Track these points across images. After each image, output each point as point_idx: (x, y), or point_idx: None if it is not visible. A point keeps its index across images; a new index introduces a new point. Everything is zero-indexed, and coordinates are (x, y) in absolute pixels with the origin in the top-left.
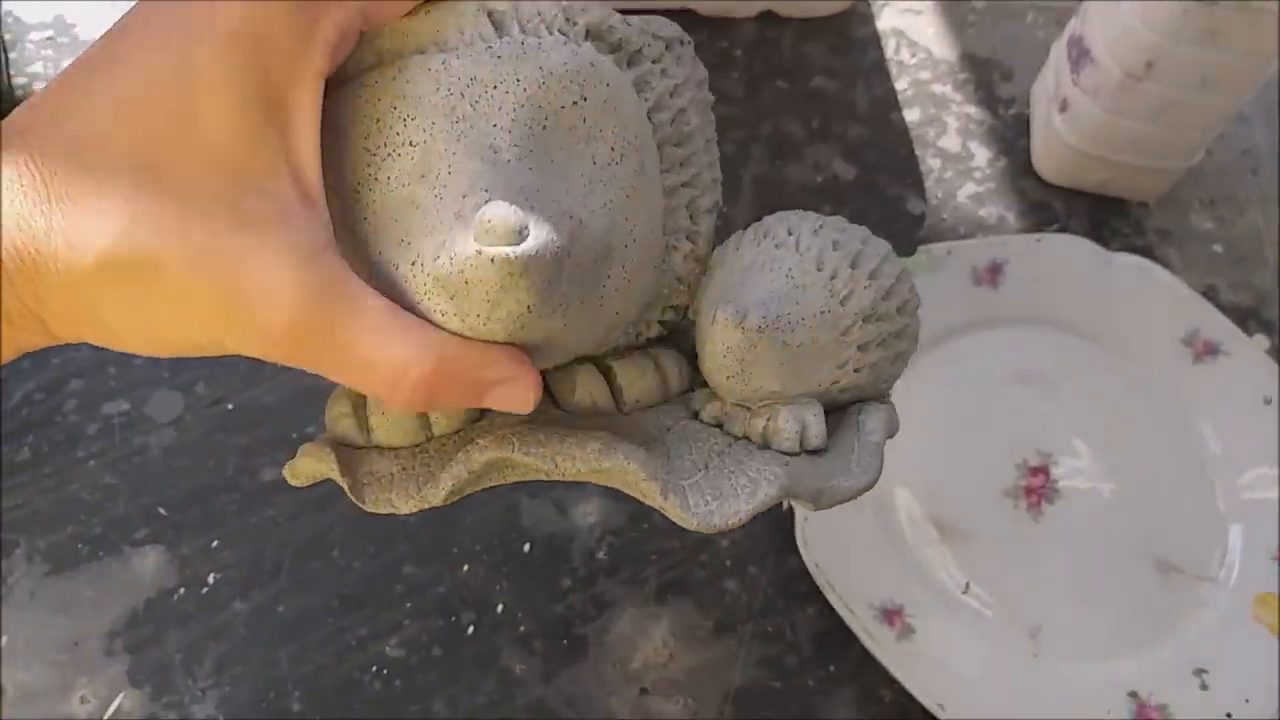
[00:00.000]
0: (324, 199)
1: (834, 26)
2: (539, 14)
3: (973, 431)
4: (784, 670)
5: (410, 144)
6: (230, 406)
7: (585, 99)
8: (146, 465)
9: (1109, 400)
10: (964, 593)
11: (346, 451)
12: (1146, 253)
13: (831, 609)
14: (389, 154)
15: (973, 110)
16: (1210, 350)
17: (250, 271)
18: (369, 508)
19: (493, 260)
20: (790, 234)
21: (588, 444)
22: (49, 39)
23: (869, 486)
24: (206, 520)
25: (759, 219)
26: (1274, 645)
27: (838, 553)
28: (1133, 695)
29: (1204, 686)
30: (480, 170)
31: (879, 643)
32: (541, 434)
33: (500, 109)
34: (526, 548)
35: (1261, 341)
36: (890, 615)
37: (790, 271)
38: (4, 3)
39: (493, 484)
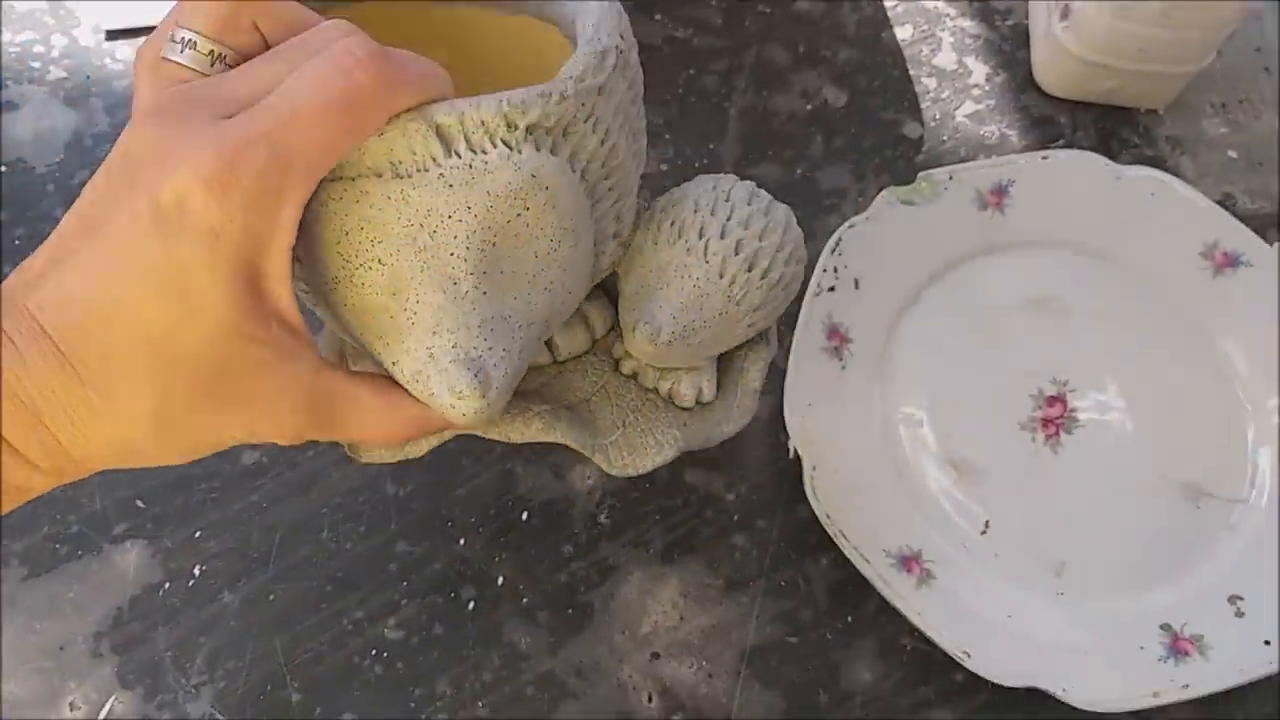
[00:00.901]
0: (302, 322)
1: None
2: (483, 124)
3: (984, 364)
4: (800, 625)
5: (380, 261)
6: None
7: (528, 209)
8: None
9: (1126, 322)
10: (983, 533)
11: None
12: (1158, 163)
13: (846, 559)
14: (360, 265)
15: (968, 24)
16: (1231, 262)
17: (265, 410)
18: (362, 460)
19: (464, 413)
20: (701, 237)
21: (533, 423)
22: None
23: (743, 425)
24: (187, 511)
25: (746, 155)
26: None
27: (849, 501)
28: (1165, 628)
29: (1239, 614)
30: (444, 305)
31: (897, 591)
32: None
33: (455, 237)
34: (524, 516)
35: None
36: (908, 562)
37: (697, 282)
38: None
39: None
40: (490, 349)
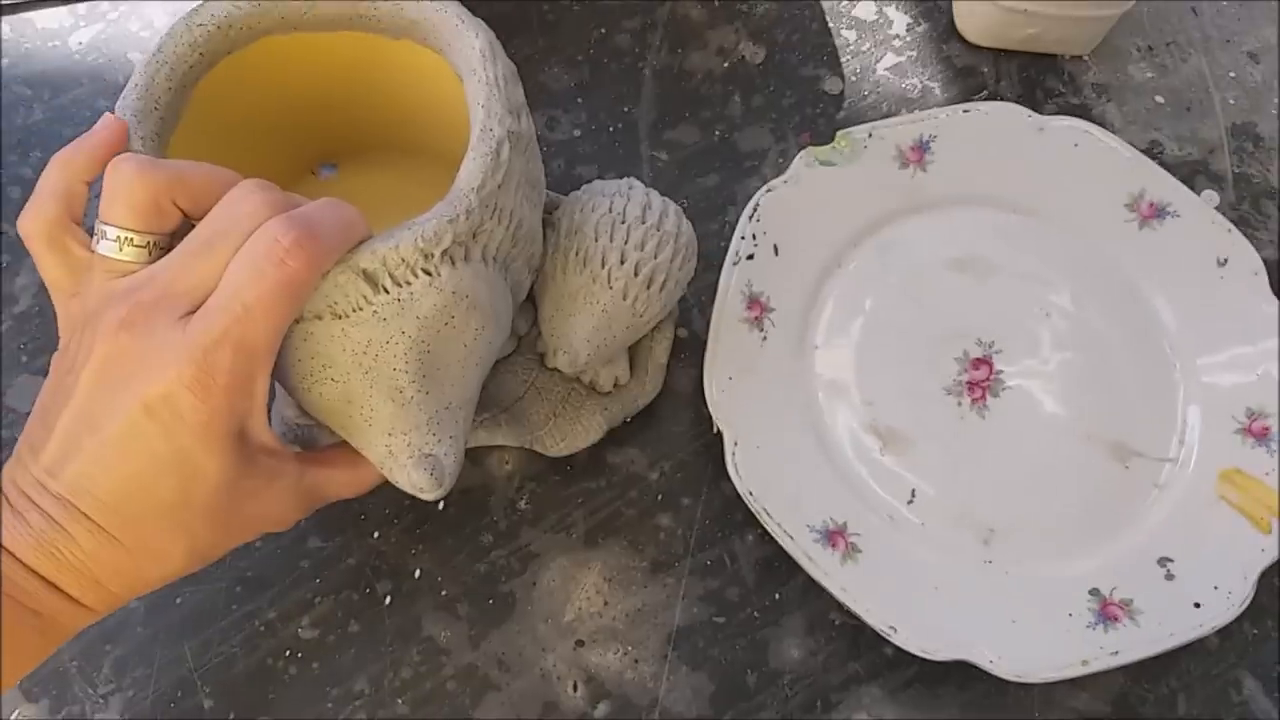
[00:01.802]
0: (279, 442)
1: None
2: (403, 261)
3: (908, 328)
4: (727, 604)
5: (333, 380)
6: None
7: (454, 317)
8: None
9: (1052, 279)
10: (909, 503)
11: (307, 437)
12: (1083, 111)
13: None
14: (316, 381)
15: None
16: (1157, 213)
17: (268, 517)
18: None
19: (427, 498)
20: (603, 266)
21: (477, 433)
22: None
23: (655, 394)
24: None
25: (662, 118)
26: (1241, 525)
27: (772, 476)
28: (1094, 593)
29: (1169, 576)
30: (395, 412)
31: (822, 568)
32: None
33: (395, 357)
34: (441, 506)
35: (1211, 197)
36: (833, 536)
37: (605, 307)
38: None
39: None
40: (439, 441)
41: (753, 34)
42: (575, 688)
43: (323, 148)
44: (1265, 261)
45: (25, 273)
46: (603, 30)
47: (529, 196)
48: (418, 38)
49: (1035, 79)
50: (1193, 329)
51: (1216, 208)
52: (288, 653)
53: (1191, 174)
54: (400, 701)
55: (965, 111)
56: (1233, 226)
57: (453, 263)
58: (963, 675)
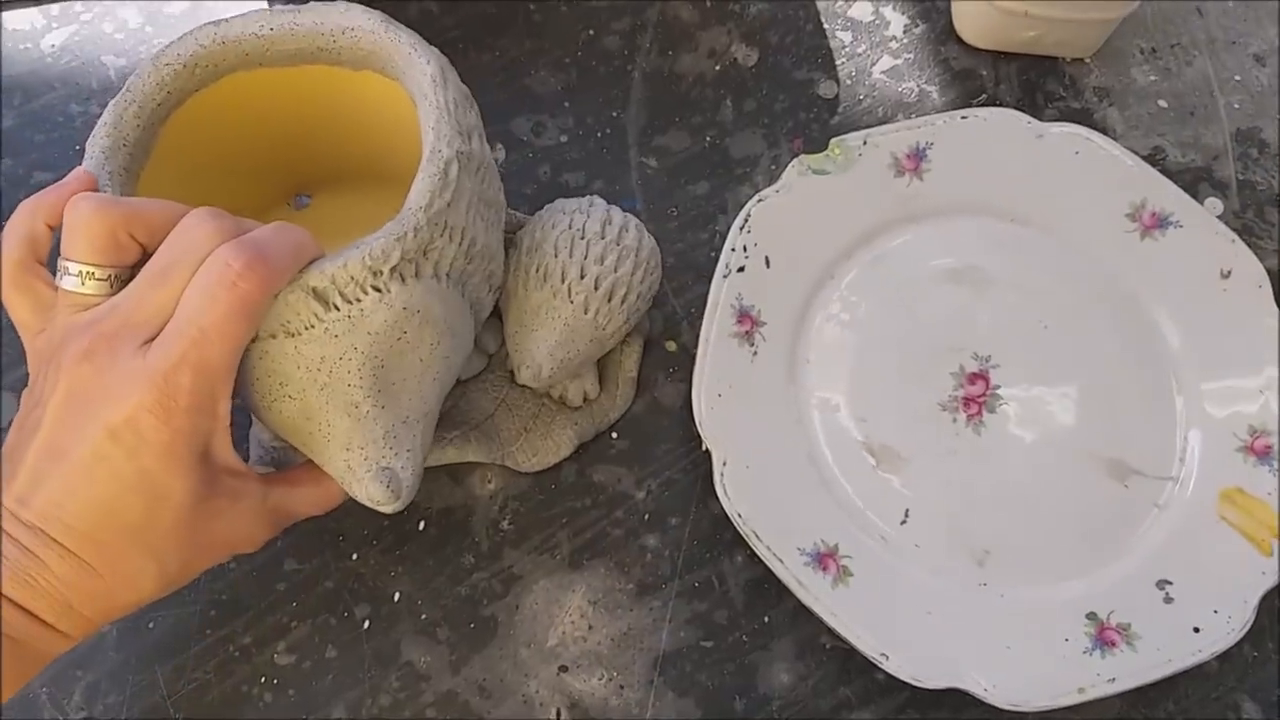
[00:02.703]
0: (242, 463)
1: None
2: (352, 279)
3: (903, 342)
4: (715, 628)
5: (290, 397)
6: None
7: (406, 332)
8: None
9: (1051, 291)
10: (903, 523)
11: (282, 459)
12: (1085, 116)
13: None
14: (275, 398)
15: None
16: (1159, 223)
17: (236, 537)
18: None
19: (385, 511)
20: (563, 281)
21: (447, 450)
22: None
23: (626, 408)
24: None
25: (652, 124)
26: (1242, 546)
27: (762, 497)
28: (1091, 617)
29: (1169, 599)
30: (351, 427)
31: (813, 592)
32: None
33: (349, 373)
34: (421, 526)
35: (1215, 205)
36: (824, 559)
37: (566, 321)
38: None
39: None
40: (396, 454)
41: (745, 35)
42: (559, 715)
43: (296, 179)
44: (1269, 271)
45: None
46: (591, 31)
47: (483, 215)
48: (376, 67)
49: (1035, 82)
50: (1195, 344)
51: (1220, 216)
52: (263, 679)
53: (1195, 181)
54: None
55: (963, 118)
56: (1236, 237)
57: (403, 279)
58: (957, 700)
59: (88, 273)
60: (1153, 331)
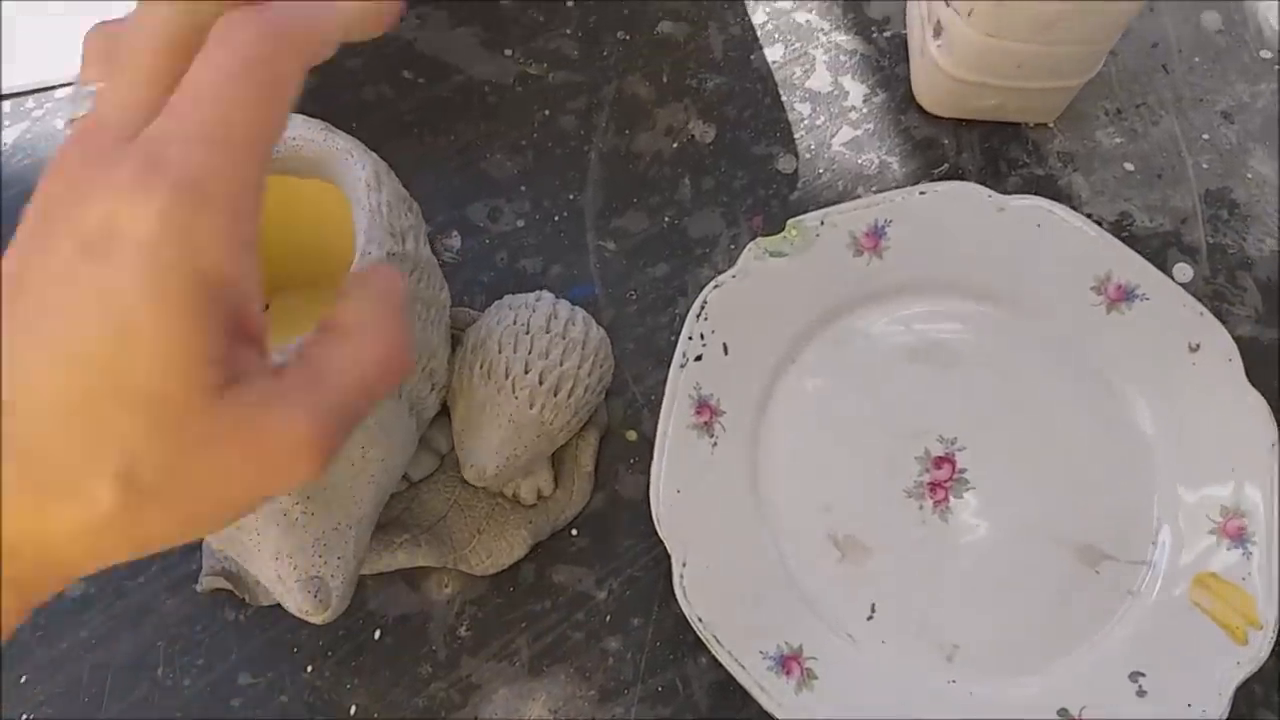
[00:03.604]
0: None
1: None
2: None
3: (867, 427)
4: None
5: None
6: None
7: None
8: None
9: (1018, 369)
10: (869, 618)
11: (234, 568)
12: (1049, 183)
13: None
14: None
15: (843, 38)
16: (1125, 295)
17: (263, 454)
18: (264, 603)
19: (314, 622)
20: (507, 376)
21: (398, 554)
22: None
23: (583, 505)
24: (11, 653)
25: (610, 205)
26: (1217, 635)
27: (723, 597)
28: (1063, 713)
29: (1141, 692)
30: (280, 536)
31: (776, 699)
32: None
33: None
34: (377, 635)
35: (1185, 271)
36: (787, 662)
37: (511, 416)
38: None
39: None
40: (325, 563)
41: (702, 111)
42: None
43: None
44: (1241, 339)
45: None
46: (547, 112)
47: (420, 315)
48: (322, 174)
49: (998, 149)
50: (1165, 422)
51: (1190, 282)
52: None
53: (1164, 246)
54: None
55: (922, 193)
56: (1204, 309)
57: None
58: None
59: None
60: (1123, 409)
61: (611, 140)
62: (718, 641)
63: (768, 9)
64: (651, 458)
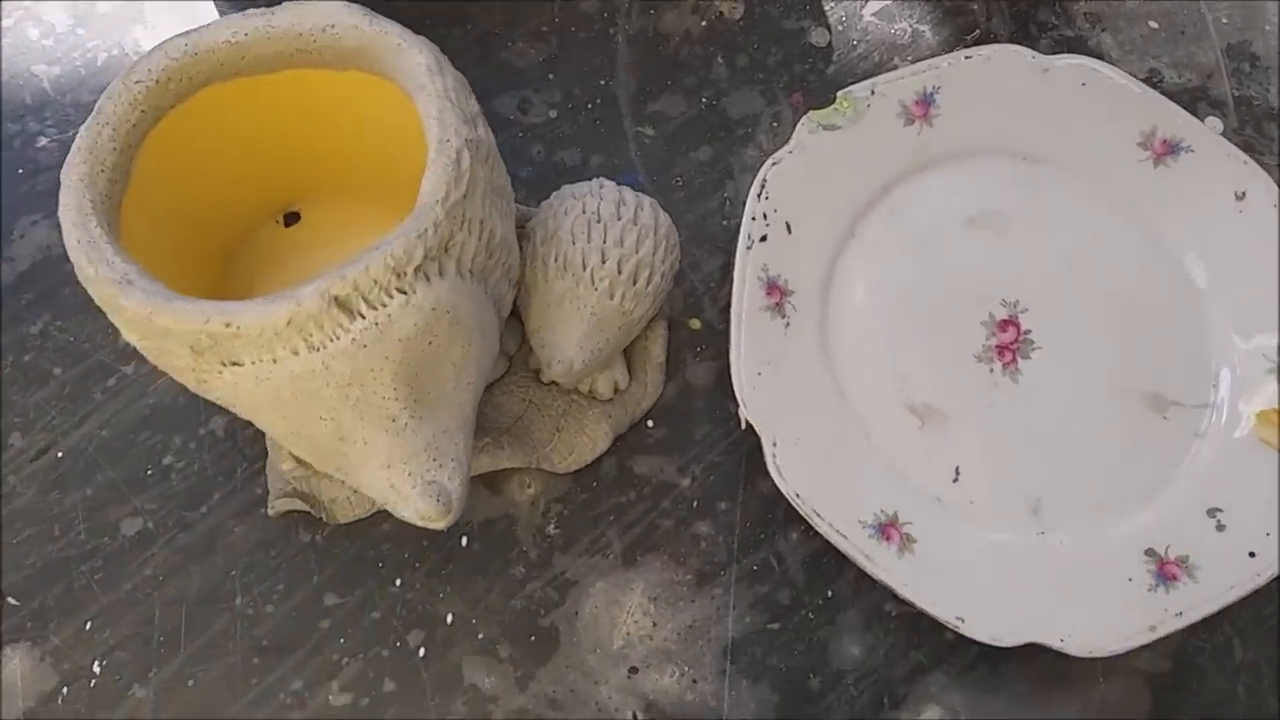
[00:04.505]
0: None
1: None
2: (376, 283)
3: (931, 295)
4: (779, 609)
5: (321, 419)
6: (59, 454)
7: (436, 335)
8: None
9: (1071, 228)
10: (955, 481)
11: (306, 488)
12: (1079, 44)
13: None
14: (305, 423)
15: None
16: (1171, 149)
17: None
18: (341, 520)
19: (436, 526)
20: (585, 268)
21: (481, 459)
22: None
23: (659, 396)
24: (70, 600)
25: (644, 89)
26: None
27: (816, 473)
28: (1150, 553)
29: (1220, 527)
30: (391, 444)
31: (881, 565)
32: None
33: (382, 384)
34: (464, 542)
35: (1215, 124)
36: (886, 530)
37: (593, 309)
38: None
39: None
40: (441, 466)
41: None
42: (635, 718)
43: (285, 193)
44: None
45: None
46: None
47: (497, 205)
48: (363, 66)
49: (1027, 13)
50: (1216, 268)
51: (1221, 134)
52: None
53: (1193, 101)
54: None
55: (967, 58)
56: (1248, 158)
57: (427, 279)
58: (1025, 649)
59: None
60: (1174, 259)
61: (637, 21)
62: (818, 515)
63: None
64: (717, 344)
